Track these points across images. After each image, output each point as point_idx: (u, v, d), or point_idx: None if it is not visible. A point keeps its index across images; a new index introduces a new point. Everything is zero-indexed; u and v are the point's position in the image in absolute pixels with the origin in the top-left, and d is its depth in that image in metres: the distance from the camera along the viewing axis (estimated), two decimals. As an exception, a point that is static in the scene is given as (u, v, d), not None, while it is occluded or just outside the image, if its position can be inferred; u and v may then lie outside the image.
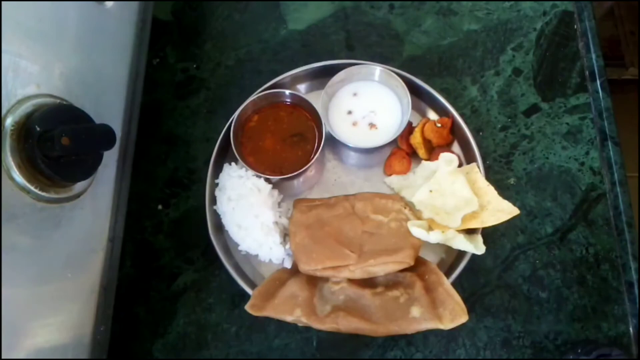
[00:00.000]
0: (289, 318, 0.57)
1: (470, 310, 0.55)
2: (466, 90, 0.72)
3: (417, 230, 0.59)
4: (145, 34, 0.65)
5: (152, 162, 0.71)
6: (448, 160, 0.63)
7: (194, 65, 0.76)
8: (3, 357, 0.40)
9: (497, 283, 0.65)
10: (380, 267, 0.58)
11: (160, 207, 0.69)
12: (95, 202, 0.52)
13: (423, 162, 0.66)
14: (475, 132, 0.69)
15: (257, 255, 0.64)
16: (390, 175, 0.67)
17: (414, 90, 0.67)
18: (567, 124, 0.70)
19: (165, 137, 0.72)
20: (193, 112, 0.74)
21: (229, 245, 0.66)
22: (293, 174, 0.63)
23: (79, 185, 0.48)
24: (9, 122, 0.40)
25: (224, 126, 0.67)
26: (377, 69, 0.67)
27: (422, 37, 0.75)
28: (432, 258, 0.64)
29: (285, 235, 0.64)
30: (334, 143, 0.68)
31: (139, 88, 0.63)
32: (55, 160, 0.42)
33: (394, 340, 0.63)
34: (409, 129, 0.67)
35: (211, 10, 0.78)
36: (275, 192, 0.65)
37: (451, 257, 0.64)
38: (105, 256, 0.54)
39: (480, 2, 0.76)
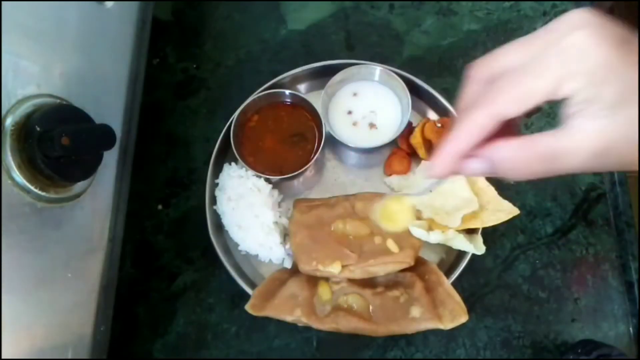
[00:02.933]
0: (289, 318, 0.57)
1: (470, 310, 0.55)
2: (466, 90, 0.72)
3: (417, 230, 0.59)
4: (145, 34, 0.64)
5: (152, 162, 0.71)
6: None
7: (194, 65, 0.76)
8: (3, 357, 0.40)
9: (497, 283, 0.65)
10: (380, 267, 0.58)
11: (160, 207, 0.69)
12: (95, 202, 0.52)
13: (423, 162, 0.66)
14: (475, 132, 0.69)
15: (257, 255, 0.64)
16: (390, 175, 0.67)
17: (414, 90, 0.67)
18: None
19: (165, 137, 0.72)
20: (193, 112, 0.74)
21: (229, 245, 0.66)
22: (293, 174, 0.63)
23: (79, 185, 0.48)
24: (9, 122, 0.40)
25: (224, 126, 0.67)
26: (377, 69, 0.67)
27: (422, 37, 0.75)
28: (432, 258, 0.64)
29: (285, 235, 0.64)
30: (334, 143, 0.68)
31: (139, 88, 0.63)
32: (55, 160, 0.42)
33: (394, 340, 0.63)
34: (409, 129, 0.67)
35: (211, 10, 0.78)
36: (275, 192, 0.65)
37: (451, 257, 0.64)
38: (105, 256, 0.54)
39: (480, 2, 0.76)
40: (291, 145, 0.66)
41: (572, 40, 0.27)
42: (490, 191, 0.61)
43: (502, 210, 0.60)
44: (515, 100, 0.29)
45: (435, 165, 0.33)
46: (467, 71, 0.34)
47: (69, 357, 0.49)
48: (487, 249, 0.60)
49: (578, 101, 0.27)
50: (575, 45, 0.27)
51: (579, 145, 0.28)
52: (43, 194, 0.42)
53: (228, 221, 0.63)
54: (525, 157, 0.30)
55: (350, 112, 0.68)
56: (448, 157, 0.32)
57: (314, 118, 0.66)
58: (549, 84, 0.28)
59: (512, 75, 0.29)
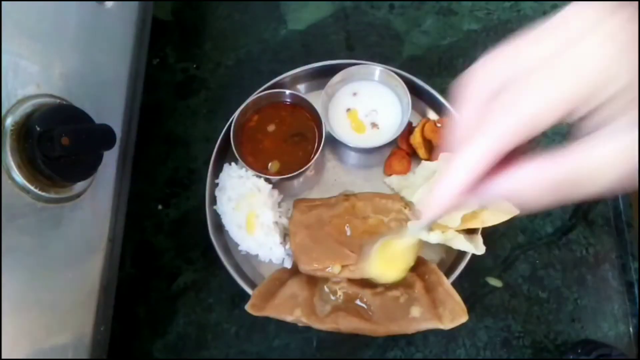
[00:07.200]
0: (289, 318, 0.57)
1: (470, 310, 0.55)
2: (466, 90, 0.72)
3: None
4: (145, 34, 0.65)
5: (152, 162, 0.71)
6: (448, 160, 0.63)
7: (194, 65, 0.76)
8: (3, 357, 0.40)
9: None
10: (380, 267, 0.58)
11: (160, 207, 0.69)
12: (95, 202, 0.52)
13: (423, 162, 0.66)
14: (475, 132, 0.69)
15: (257, 255, 0.64)
16: (390, 175, 0.67)
17: (414, 90, 0.67)
18: (567, 123, 0.70)
19: (165, 137, 0.72)
20: (193, 112, 0.74)
21: (229, 245, 0.66)
22: (293, 174, 0.63)
23: (79, 185, 0.48)
24: (9, 122, 0.40)
25: (224, 126, 0.67)
26: (377, 69, 0.67)
27: (422, 37, 0.75)
28: (432, 258, 0.64)
29: (285, 235, 0.64)
30: (334, 143, 0.68)
31: (139, 88, 0.63)
32: (55, 160, 0.42)
33: (394, 340, 0.63)
34: (409, 129, 0.67)
35: (211, 10, 0.78)
36: (275, 192, 0.65)
37: (451, 257, 0.64)
38: (105, 256, 0.54)
39: (480, 2, 0.76)
40: (291, 145, 0.66)
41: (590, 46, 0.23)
42: (490, 191, 0.61)
43: (502, 210, 0.60)
44: (528, 120, 0.24)
45: (432, 206, 0.29)
46: (463, 83, 0.28)
47: (69, 357, 0.49)
48: (487, 249, 0.60)
49: (613, 109, 0.24)
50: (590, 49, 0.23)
51: (608, 161, 0.24)
52: (43, 194, 0.42)
53: (228, 221, 0.63)
54: (535, 188, 0.26)
55: (350, 112, 0.68)
56: (445, 199, 0.28)
57: (314, 118, 0.66)
58: (590, 83, 0.23)
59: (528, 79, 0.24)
